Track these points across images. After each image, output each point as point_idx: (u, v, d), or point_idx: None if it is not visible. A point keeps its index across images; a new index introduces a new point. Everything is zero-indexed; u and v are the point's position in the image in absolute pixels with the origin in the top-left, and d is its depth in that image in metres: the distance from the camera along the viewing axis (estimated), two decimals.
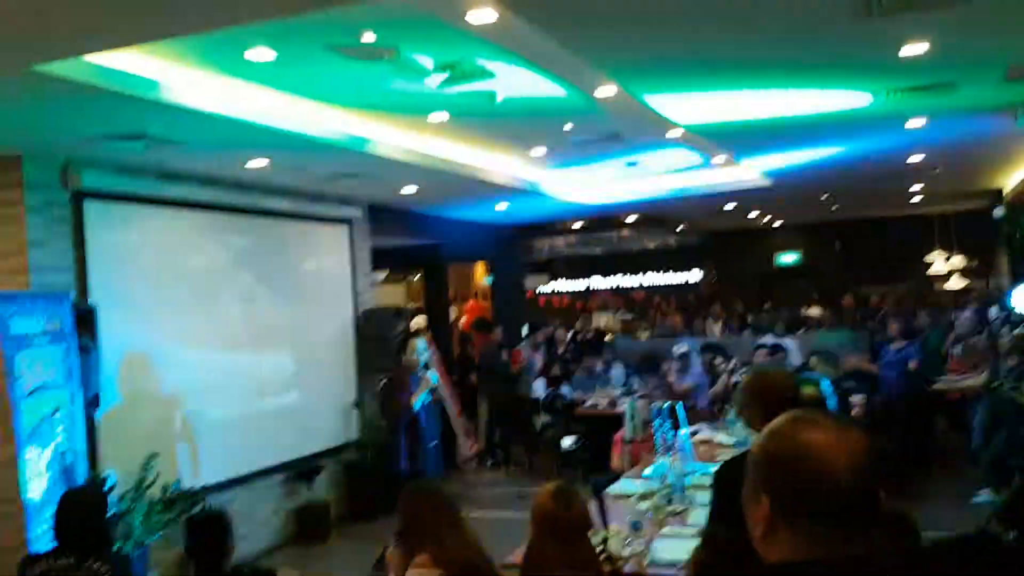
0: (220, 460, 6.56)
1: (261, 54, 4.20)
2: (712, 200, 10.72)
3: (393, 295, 12.13)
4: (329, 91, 5.13)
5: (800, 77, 5.29)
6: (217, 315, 6.75)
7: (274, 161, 6.13)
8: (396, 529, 3.00)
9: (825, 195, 12.01)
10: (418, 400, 7.34)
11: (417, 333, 8.57)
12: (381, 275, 11.27)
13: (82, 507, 3.66)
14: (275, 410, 7.30)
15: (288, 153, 5.90)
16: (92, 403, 5.29)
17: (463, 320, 11.97)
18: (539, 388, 9.39)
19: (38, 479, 4.64)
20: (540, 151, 7.50)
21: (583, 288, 19.48)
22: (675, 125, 6.33)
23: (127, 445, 5.73)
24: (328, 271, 8.18)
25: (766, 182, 9.49)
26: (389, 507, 7.19)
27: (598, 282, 19.34)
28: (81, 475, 5.02)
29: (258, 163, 6.14)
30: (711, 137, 7.06)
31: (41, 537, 4.50)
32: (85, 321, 5.25)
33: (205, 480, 6.28)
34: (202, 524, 3.42)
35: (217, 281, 6.79)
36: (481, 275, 13.05)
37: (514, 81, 5.03)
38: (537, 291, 18.89)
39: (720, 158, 8.27)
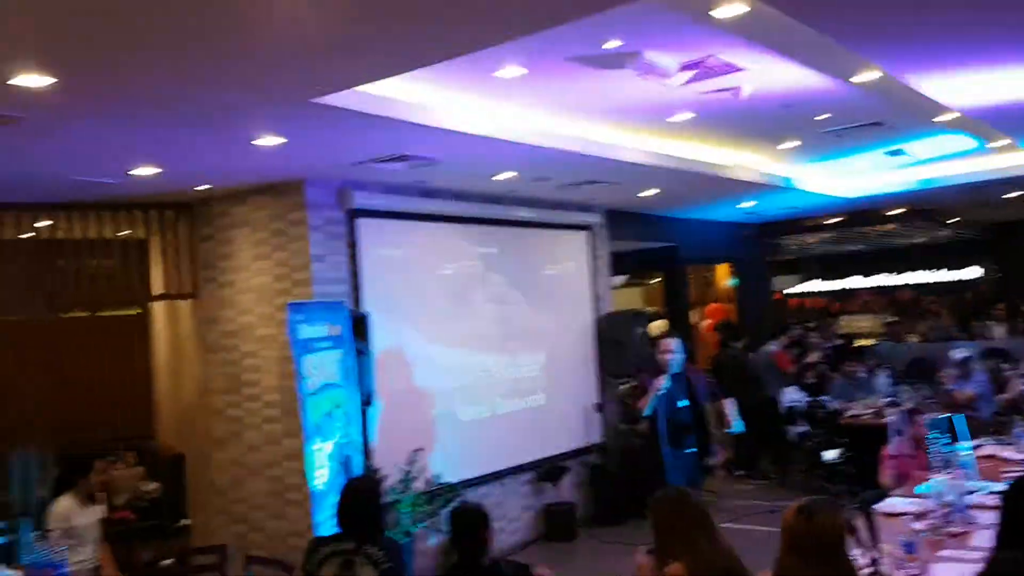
0: (474, 456, 6.94)
1: (510, 71, 4.38)
2: (991, 188, 9.58)
3: (631, 299, 12.13)
4: (573, 102, 5.25)
5: None
6: (470, 320, 7.15)
7: (520, 173, 6.38)
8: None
9: None
10: (648, 406, 7.14)
11: (661, 336, 8.49)
12: (620, 279, 11.31)
13: (361, 496, 4.02)
14: (523, 411, 7.59)
15: (533, 165, 6.12)
16: (366, 401, 5.81)
17: (706, 323, 11.68)
18: (790, 395, 8.90)
19: (322, 470, 5.18)
20: (790, 144, 7.15)
21: (839, 288, 18.11)
22: (947, 109, 5.75)
23: (395, 440, 6.23)
24: (569, 276, 8.36)
25: None
26: (636, 512, 7.24)
27: (857, 282, 17.88)
28: (358, 467, 5.54)
29: (505, 176, 6.43)
30: (990, 120, 6.32)
31: (325, 522, 5.00)
32: (359, 327, 5.78)
33: (462, 475, 6.67)
34: (464, 516, 3.62)
35: (470, 288, 7.20)
36: (723, 277, 12.66)
37: (763, 74, 4.84)
38: (785, 293, 17.93)
39: (1000, 142, 7.37)
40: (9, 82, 3.36)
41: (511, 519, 7.27)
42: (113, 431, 8.06)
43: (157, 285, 6.84)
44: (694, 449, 6.37)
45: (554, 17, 3.39)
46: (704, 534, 2.87)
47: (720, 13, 3.66)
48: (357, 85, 4.04)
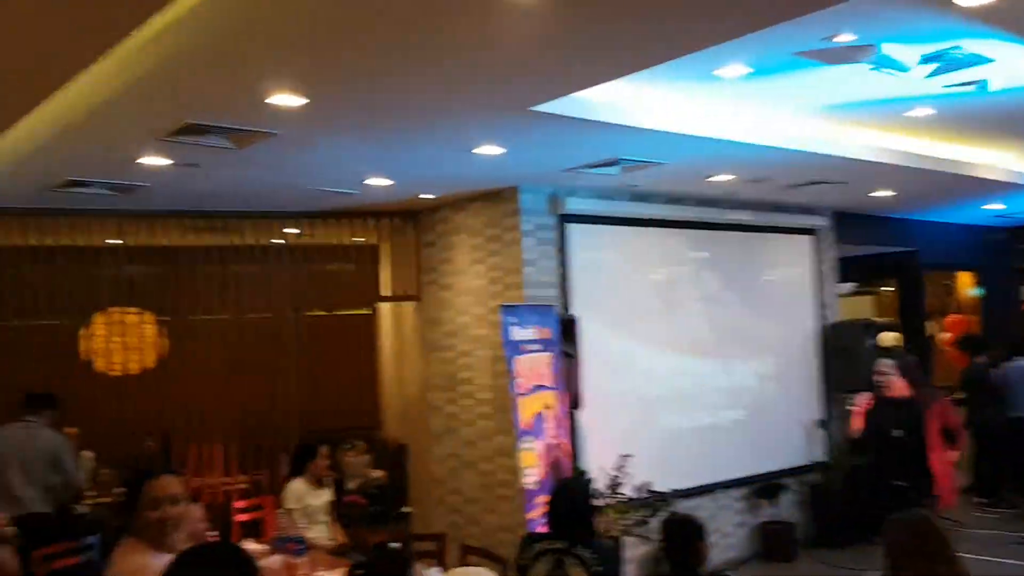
0: (684, 467, 6.78)
1: (733, 70, 4.25)
2: None
3: (860, 308, 11.29)
4: (798, 98, 4.99)
5: None
6: (682, 327, 7.00)
7: (738, 175, 6.17)
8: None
9: None
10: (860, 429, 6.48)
11: (890, 350, 7.84)
12: (849, 287, 10.57)
13: (572, 497, 4.05)
14: (737, 423, 7.31)
15: (753, 165, 5.89)
16: (574, 404, 5.87)
17: (946, 336, 10.63)
18: None
19: (532, 469, 5.29)
20: None
21: None
22: None
23: (601, 445, 6.23)
24: (791, 283, 7.95)
25: None
26: (862, 536, 6.72)
27: None
28: (566, 469, 5.60)
29: (722, 178, 6.24)
30: None
31: (535, 520, 5.11)
32: (568, 330, 5.86)
33: (669, 485, 6.53)
34: (678, 525, 3.54)
35: (682, 294, 7.05)
36: (965, 285, 11.46)
37: (1015, 64, 4.34)
38: None
39: None
40: (267, 101, 3.74)
41: (724, 535, 7.02)
42: (346, 421, 8.72)
43: (385, 287, 7.33)
44: (903, 484, 5.62)
45: (789, 11, 3.24)
46: (945, 564, 2.61)
47: (965, 1, 3.33)
48: (577, 90, 4.09)
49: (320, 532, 5.33)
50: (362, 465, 8.26)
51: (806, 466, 7.67)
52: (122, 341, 6.68)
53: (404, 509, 7.84)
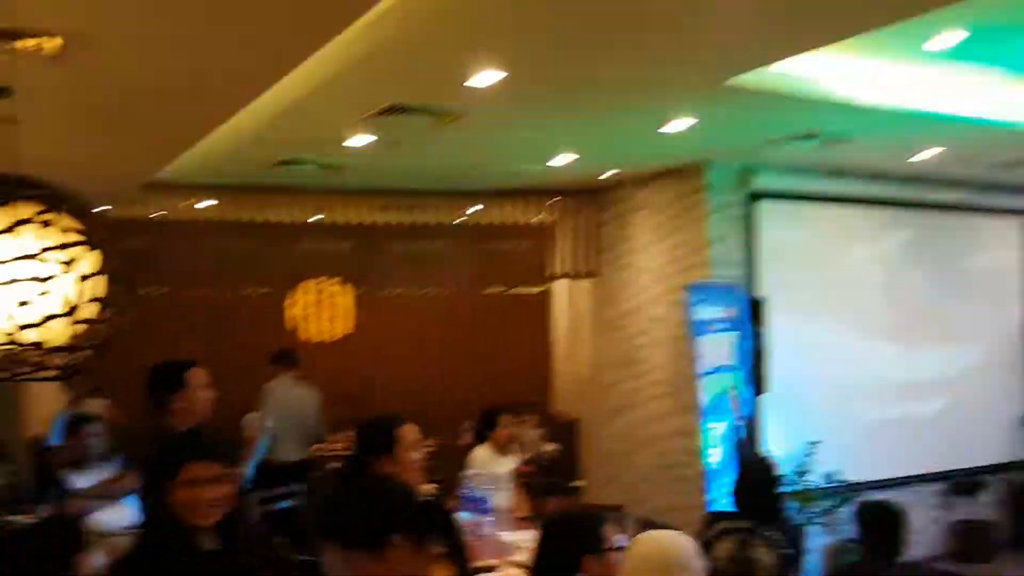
0: (875, 457, 6.45)
1: (947, 37, 3.96)
2: None
3: None
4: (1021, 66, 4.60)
5: None
6: (877, 312, 6.65)
7: (947, 150, 5.75)
8: None
9: None
10: None
11: None
12: None
13: (759, 478, 3.99)
14: (931, 415, 6.88)
15: (963, 141, 5.47)
16: (759, 387, 5.73)
17: None
18: None
19: (715, 449, 5.23)
20: None
21: None
22: None
23: (786, 429, 6.05)
24: (996, 268, 7.36)
25: None
26: None
27: None
28: (747, 452, 5.49)
29: (927, 154, 5.84)
30: None
31: (716, 500, 5.05)
32: (755, 311, 5.71)
33: (860, 475, 6.24)
34: (878, 511, 3.42)
35: (877, 277, 6.70)
36: None
37: None
38: None
39: None
40: (466, 83, 3.89)
41: (916, 531, 6.58)
42: (517, 395, 8.95)
43: (561, 266, 7.43)
44: None
45: None
46: None
47: None
48: (779, 60, 3.96)
49: (503, 499, 5.51)
50: (534, 438, 8.47)
51: (1009, 463, 7.11)
52: (322, 311, 7.19)
53: (576, 483, 7.98)
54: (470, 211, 7.33)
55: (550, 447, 8.30)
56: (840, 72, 4.49)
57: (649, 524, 4.97)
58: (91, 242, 1.61)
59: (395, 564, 1.67)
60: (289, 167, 5.95)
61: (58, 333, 1.55)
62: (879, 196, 6.55)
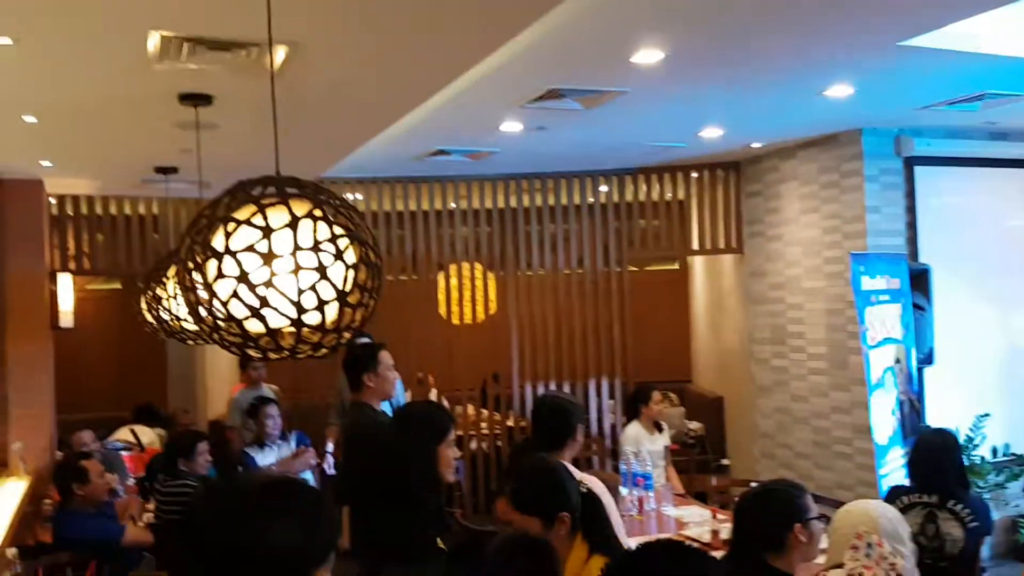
0: None
1: None
2: None
3: None
4: None
5: None
6: None
7: None
8: None
9: None
10: None
11: None
12: None
13: (938, 450, 3.89)
14: None
15: None
16: (926, 359, 5.54)
17: None
18: None
19: (883, 424, 5.10)
20: None
21: None
22: None
23: (953, 402, 5.81)
24: None
25: None
26: None
27: None
28: (917, 425, 5.32)
29: None
30: None
31: (888, 475, 4.93)
32: (918, 281, 5.51)
33: None
34: None
35: None
36: None
37: None
38: None
39: None
40: (630, 59, 3.93)
41: None
42: (658, 374, 8.96)
43: (700, 241, 7.36)
44: None
45: None
46: None
47: None
48: (950, 23, 3.80)
49: (658, 477, 5.56)
50: (677, 416, 8.46)
51: None
52: (467, 294, 7.43)
53: (723, 461, 7.94)
54: (603, 190, 7.38)
55: (694, 425, 8.30)
56: (1008, 29, 4.26)
57: (822, 500, 4.94)
58: (354, 235, 1.77)
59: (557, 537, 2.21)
60: (438, 157, 6.17)
61: (332, 316, 1.72)
62: None
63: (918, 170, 5.90)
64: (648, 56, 3.90)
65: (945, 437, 3.99)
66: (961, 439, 5.66)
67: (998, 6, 3.61)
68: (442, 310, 7.53)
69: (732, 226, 7.23)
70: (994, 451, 5.83)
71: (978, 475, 5.65)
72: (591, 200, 7.39)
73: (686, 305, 9.08)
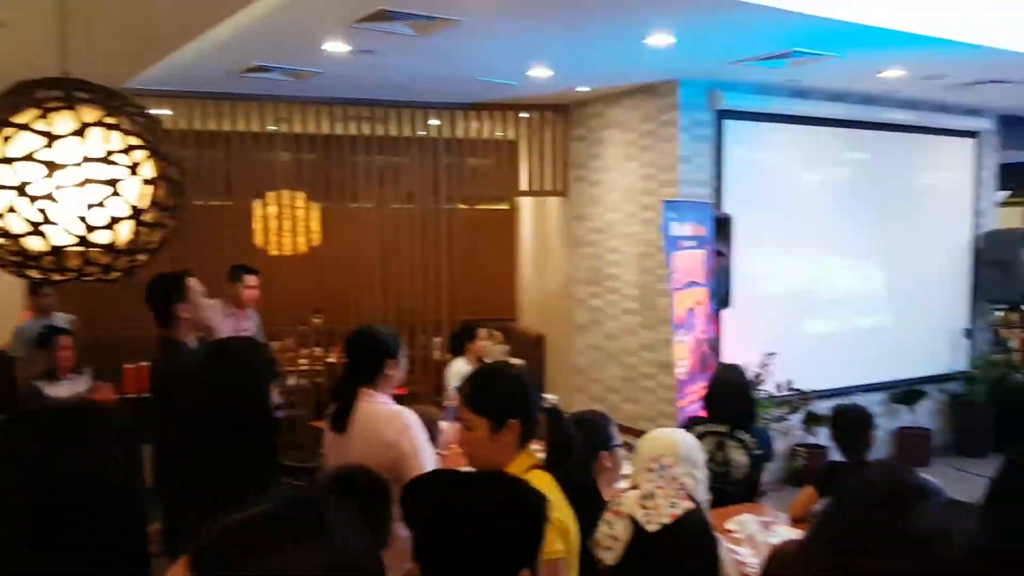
0: (826, 368, 6.80)
1: None
2: None
3: (1010, 218, 10.71)
4: None
5: None
6: (834, 230, 6.90)
7: (910, 71, 5.90)
8: None
9: None
10: None
11: None
12: (1002, 195, 10.04)
13: (731, 384, 4.22)
14: (879, 328, 7.25)
15: (931, 60, 5.62)
16: (723, 302, 5.96)
17: None
18: None
19: (683, 361, 5.46)
20: None
21: None
22: None
23: (746, 342, 6.32)
24: (946, 188, 7.65)
25: None
26: (999, 446, 6.66)
27: None
28: (713, 362, 5.74)
29: (893, 73, 5.98)
30: None
31: (686, 408, 5.31)
32: (721, 229, 5.88)
33: (812, 385, 6.60)
34: (850, 415, 3.68)
35: (835, 196, 6.92)
36: None
37: None
38: None
39: None
40: None
41: None
42: (484, 311, 9.09)
43: (528, 182, 7.47)
44: None
45: None
46: None
47: None
48: None
49: None
50: (500, 353, 8.66)
51: (948, 375, 7.56)
52: (287, 224, 7.12)
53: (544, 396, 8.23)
54: (434, 124, 7.29)
55: (516, 362, 8.52)
56: None
57: (623, 430, 5.24)
58: (152, 147, 1.61)
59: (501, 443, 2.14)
60: (256, 74, 5.81)
61: (125, 236, 1.57)
62: (839, 116, 6.70)
63: (727, 123, 6.25)
64: None
65: (736, 373, 4.32)
66: (751, 376, 6.21)
67: None
68: (259, 240, 7.19)
69: (559, 169, 7.37)
70: (778, 386, 6.41)
71: (764, 408, 6.20)
72: (422, 133, 7.26)
73: (513, 245, 9.22)
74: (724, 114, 6.24)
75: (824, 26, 4.71)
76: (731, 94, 6.16)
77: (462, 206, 9.12)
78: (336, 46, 5.01)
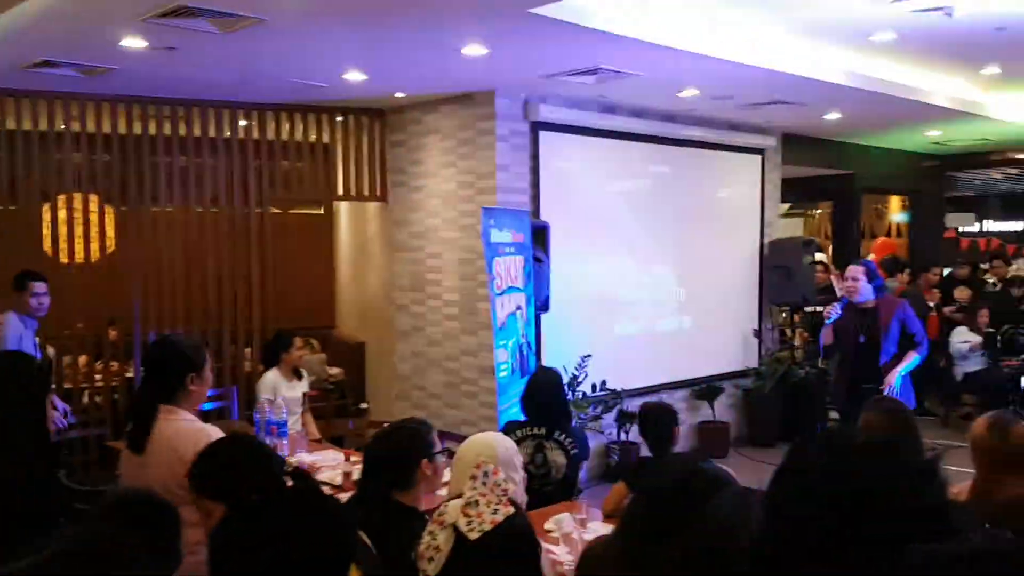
0: (635, 368, 7.19)
1: None
2: None
3: (790, 228, 11.84)
4: (775, 16, 5.17)
5: None
6: (641, 237, 7.29)
7: (704, 91, 6.36)
8: None
9: None
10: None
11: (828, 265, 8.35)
12: (781, 208, 11.06)
13: (548, 387, 4.35)
14: (684, 329, 7.75)
15: (723, 81, 6.08)
16: (542, 306, 6.13)
17: (871, 258, 11.30)
18: (962, 333, 8.58)
19: (504, 365, 5.56)
20: (993, 70, 6.73)
21: (1021, 229, 17.00)
22: None
23: (563, 345, 6.55)
24: (740, 200, 8.30)
25: None
26: (786, 436, 7.31)
27: None
28: (532, 365, 5.89)
29: (690, 93, 6.42)
30: None
31: (507, 411, 5.40)
32: (539, 236, 6.06)
33: (623, 384, 6.94)
34: (655, 411, 3.89)
35: (642, 206, 7.31)
36: (895, 209, 12.13)
37: None
38: (960, 231, 16.94)
39: None
40: None
41: None
42: (301, 319, 8.81)
43: (345, 186, 7.31)
44: (871, 386, 5.17)
45: None
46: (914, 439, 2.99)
47: None
48: None
49: (294, 424, 5.49)
50: (317, 363, 8.43)
51: (742, 371, 8.20)
52: (79, 229, 6.55)
53: (362, 405, 8.09)
54: (246, 125, 6.98)
55: (334, 371, 8.33)
56: (625, 10, 4.79)
57: (445, 436, 5.25)
58: None
59: None
60: (44, 70, 5.32)
61: None
62: (643, 131, 7.11)
63: (542, 134, 6.45)
64: None
65: (552, 375, 4.45)
66: (568, 377, 6.44)
67: None
68: (47, 246, 6.56)
69: (377, 174, 7.28)
70: (593, 387, 6.69)
71: (580, 408, 6.46)
72: (228, 134, 6.92)
73: (331, 250, 9.01)
74: (540, 125, 6.43)
75: (626, 46, 4.97)
76: (545, 106, 6.36)
77: (275, 210, 8.80)
78: (133, 41, 4.68)
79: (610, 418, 6.88)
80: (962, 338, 8.50)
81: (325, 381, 8.11)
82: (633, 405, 6.73)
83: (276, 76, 5.75)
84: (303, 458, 4.78)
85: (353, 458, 4.52)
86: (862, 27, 5.36)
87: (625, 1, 4.73)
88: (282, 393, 5.46)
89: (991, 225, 17.38)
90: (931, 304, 9.15)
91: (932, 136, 9.30)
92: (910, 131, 8.96)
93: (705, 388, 7.79)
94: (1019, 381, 4.87)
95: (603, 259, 6.99)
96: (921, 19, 5.07)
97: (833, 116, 7.69)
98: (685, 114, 7.31)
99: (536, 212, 6.42)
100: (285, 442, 4.78)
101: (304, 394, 5.75)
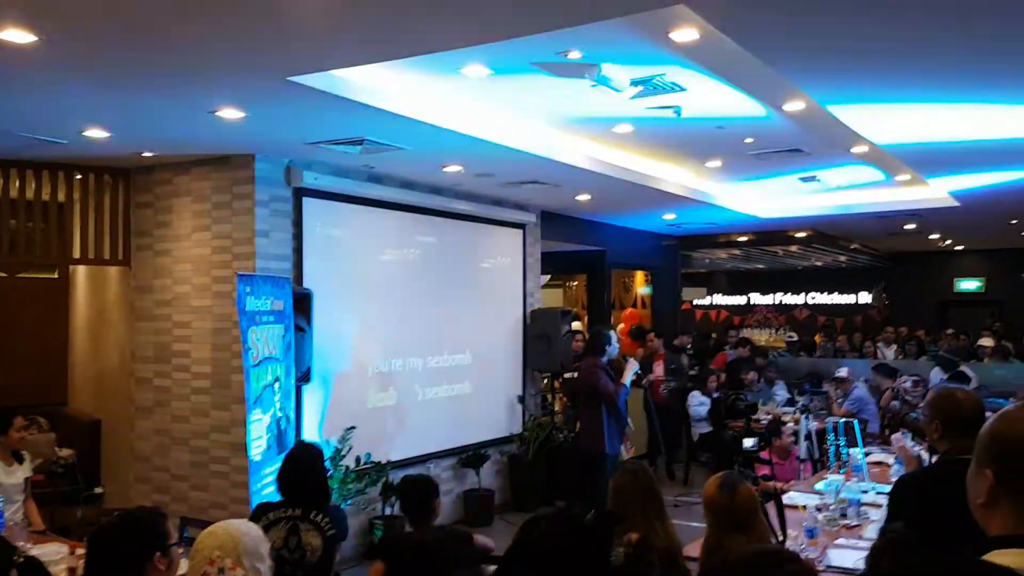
0: (402, 439, 7.11)
1: (477, 70, 4.60)
2: (891, 219, 10.38)
3: (551, 299, 12.48)
4: (529, 104, 5.51)
5: (1005, 91, 5.15)
6: (406, 307, 7.29)
7: (466, 167, 6.60)
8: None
9: (1015, 220, 11.33)
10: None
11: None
12: (543, 279, 11.66)
13: (305, 464, 4.15)
14: (451, 398, 7.80)
15: (483, 160, 6.34)
16: (303, 377, 5.91)
17: (620, 328, 12.17)
18: (697, 398, 9.42)
19: (259, 440, 5.26)
20: (716, 163, 7.61)
21: (743, 303, 19.24)
22: (864, 140, 6.28)
23: (328, 417, 6.34)
24: (503, 272, 8.61)
25: (953, 203, 9.11)
26: (547, 500, 7.52)
27: (758, 298, 19.07)
28: (291, 441, 5.63)
29: (453, 168, 6.63)
30: (900, 155, 6.91)
31: (261, 491, 5.10)
32: (301, 304, 5.87)
33: (389, 456, 6.82)
34: (416, 484, 3.84)
35: (408, 276, 7.33)
36: (640, 283, 13.20)
37: (704, 95, 5.21)
38: (694, 303, 18.80)
39: (904, 176, 8.05)
40: None
41: None
42: (26, 396, 7.83)
43: (83, 249, 6.69)
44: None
45: (530, 27, 3.62)
46: (656, 513, 3.19)
47: (677, 36, 3.98)
48: (333, 68, 4.17)
49: (15, 513, 4.83)
50: (45, 443, 7.50)
51: (507, 437, 8.39)
52: None
53: (96, 490, 7.27)
54: None
55: (64, 452, 7.43)
56: (390, 87, 4.90)
57: (190, 523, 4.83)
58: None
59: None
60: None
61: None
62: (411, 203, 7.20)
63: (306, 201, 6.32)
64: (17, 36, 3.40)
65: (311, 450, 4.26)
66: (331, 451, 6.23)
67: (371, 62, 4.10)
68: None
69: (119, 236, 6.73)
70: (357, 460, 6.51)
71: (344, 483, 6.25)
72: None
73: (65, 318, 8.15)
74: (303, 192, 6.30)
75: (389, 120, 5.06)
76: (309, 173, 6.24)
77: (1, 274, 7.87)
78: None
79: (375, 491, 6.71)
80: (699, 401, 9.31)
81: (54, 464, 7.21)
82: (399, 477, 6.63)
83: (6, 130, 5.19)
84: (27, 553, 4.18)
85: (79, 550, 4.03)
86: (606, 119, 5.86)
87: (390, 76, 4.82)
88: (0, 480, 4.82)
89: (719, 299, 19.51)
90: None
91: (668, 218, 10.28)
92: (650, 213, 9.84)
93: (471, 455, 7.85)
94: (742, 442, 5.58)
95: (370, 328, 6.91)
96: (655, 115, 5.64)
97: (584, 197, 8.28)
98: (452, 188, 7.53)
99: (299, 279, 6.23)
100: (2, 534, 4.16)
101: (27, 479, 5.10)
